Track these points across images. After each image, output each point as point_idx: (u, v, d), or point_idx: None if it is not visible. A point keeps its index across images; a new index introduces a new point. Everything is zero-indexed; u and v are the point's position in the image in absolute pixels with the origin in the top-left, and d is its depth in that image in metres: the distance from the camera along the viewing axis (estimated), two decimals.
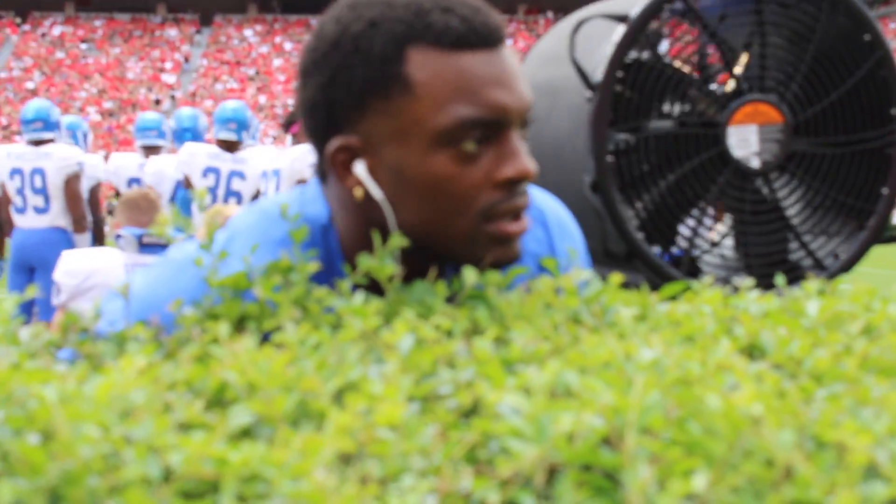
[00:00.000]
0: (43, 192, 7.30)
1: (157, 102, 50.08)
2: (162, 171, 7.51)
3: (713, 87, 2.70)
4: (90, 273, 4.14)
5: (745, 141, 2.63)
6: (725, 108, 2.66)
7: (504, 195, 1.21)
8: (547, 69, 2.89)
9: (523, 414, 0.75)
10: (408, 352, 0.89)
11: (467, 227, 1.21)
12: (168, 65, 54.48)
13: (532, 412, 0.74)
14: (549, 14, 56.11)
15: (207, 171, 6.99)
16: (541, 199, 1.47)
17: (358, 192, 1.23)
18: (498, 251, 1.23)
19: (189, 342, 1.02)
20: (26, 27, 56.03)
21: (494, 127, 1.20)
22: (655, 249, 2.67)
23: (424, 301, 1.10)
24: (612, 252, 2.63)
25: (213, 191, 6.98)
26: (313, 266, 1.11)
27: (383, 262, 1.11)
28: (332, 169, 1.25)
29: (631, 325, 1.06)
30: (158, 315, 1.09)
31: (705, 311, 1.15)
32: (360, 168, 1.22)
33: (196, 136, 8.01)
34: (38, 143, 7.46)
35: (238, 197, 6.98)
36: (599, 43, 2.66)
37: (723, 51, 2.69)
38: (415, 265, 1.24)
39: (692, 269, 2.69)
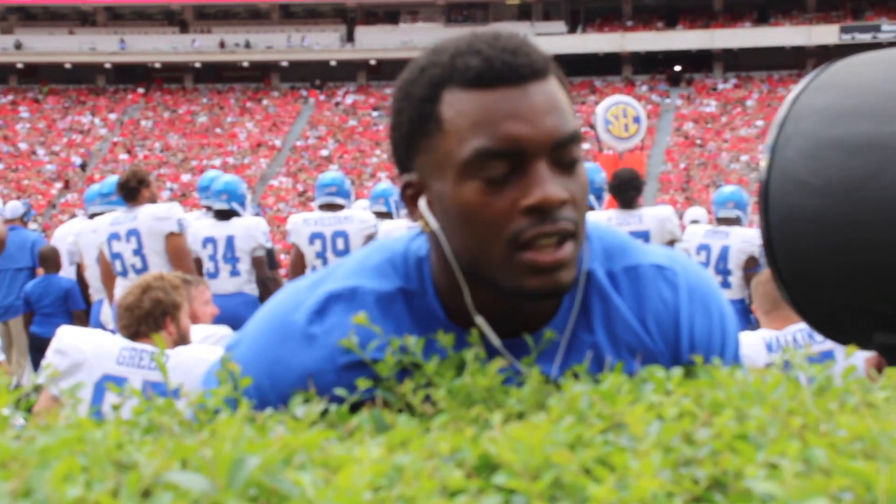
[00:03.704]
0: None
1: None
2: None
3: None
4: (79, 361, 3.64)
5: None
6: None
7: (530, 221, 1.27)
8: (860, 124, 2.47)
9: (776, 497, 0.75)
10: (656, 434, 0.91)
11: (500, 254, 1.28)
12: None
13: (785, 496, 0.75)
14: None
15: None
16: (683, 263, 1.46)
17: (423, 226, 1.34)
18: (537, 280, 1.28)
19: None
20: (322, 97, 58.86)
21: (517, 158, 1.27)
22: None
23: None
24: None
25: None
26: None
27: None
28: (405, 204, 1.37)
29: (884, 403, 1.03)
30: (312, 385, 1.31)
31: None
32: (421, 203, 1.34)
33: None
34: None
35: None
36: None
37: None
38: (485, 299, 1.34)
39: None
